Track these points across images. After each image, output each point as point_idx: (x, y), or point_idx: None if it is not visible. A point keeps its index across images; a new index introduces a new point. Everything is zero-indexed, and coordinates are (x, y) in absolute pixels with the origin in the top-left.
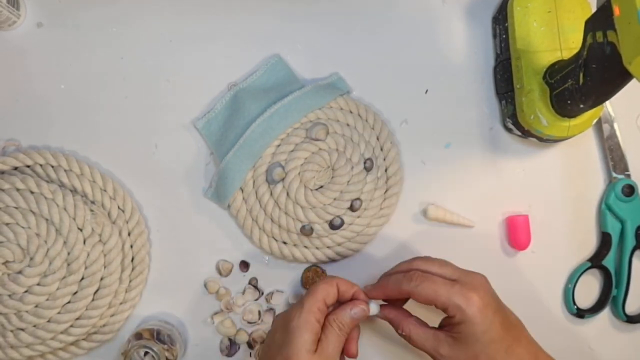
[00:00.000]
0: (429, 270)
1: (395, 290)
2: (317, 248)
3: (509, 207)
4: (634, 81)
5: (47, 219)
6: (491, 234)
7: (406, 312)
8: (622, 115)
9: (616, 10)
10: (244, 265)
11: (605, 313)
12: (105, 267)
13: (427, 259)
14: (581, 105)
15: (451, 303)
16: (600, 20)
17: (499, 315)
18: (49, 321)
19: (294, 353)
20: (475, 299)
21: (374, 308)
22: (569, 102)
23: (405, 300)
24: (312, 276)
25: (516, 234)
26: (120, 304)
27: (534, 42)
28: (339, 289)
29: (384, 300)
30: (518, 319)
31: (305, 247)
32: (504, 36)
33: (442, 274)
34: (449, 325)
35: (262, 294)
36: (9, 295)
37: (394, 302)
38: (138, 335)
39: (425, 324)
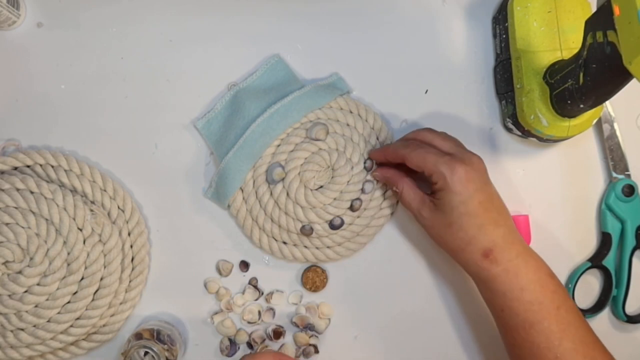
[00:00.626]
0: (431, 141)
1: (393, 154)
2: (317, 248)
3: (509, 207)
4: (634, 81)
5: (47, 219)
6: None
7: (403, 173)
8: (622, 115)
9: (616, 10)
10: (244, 265)
11: (605, 313)
12: (105, 267)
13: (431, 131)
14: (581, 105)
15: (436, 170)
16: (600, 20)
17: (481, 194)
18: (48, 321)
19: None
20: (459, 170)
21: None
22: (569, 102)
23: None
24: (312, 276)
25: None
26: (120, 304)
27: (534, 42)
28: None
29: (383, 164)
30: (505, 208)
31: (305, 247)
32: (504, 36)
33: (440, 146)
34: (434, 192)
35: (262, 294)
36: (9, 295)
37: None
38: (138, 335)
39: (416, 186)
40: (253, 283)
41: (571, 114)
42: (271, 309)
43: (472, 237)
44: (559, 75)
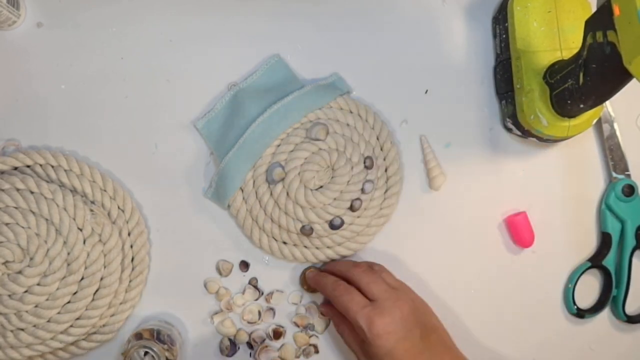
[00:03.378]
0: (359, 282)
1: (322, 289)
2: (317, 248)
3: (509, 207)
4: (634, 81)
5: (47, 219)
6: (491, 234)
7: (343, 316)
8: (622, 115)
9: (616, 10)
10: (244, 265)
11: (605, 313)
12: (105, 267)
13: (365, 269)
14: (581, 105)
15: (356, 323)
16: (600, 20)
17: (405, 342)
18: (48, 321)
19: None
20: (377, 324)
21: None
22: (569, 102)
23: None
24: None
25: (518, 232)
26: (120, 304)
27: (534, 42)
28: None
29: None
30: (442, 342)
31: (305, 247)
32: (504, 36)
33: (367, 291)
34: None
35: (262, 294)
36: (9, 295)
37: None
38: (138, 335)
39: (355, 331)
40: (253, 283)
41: (571, 114)
42: (271, 309)
43: None
44: (559, 75)
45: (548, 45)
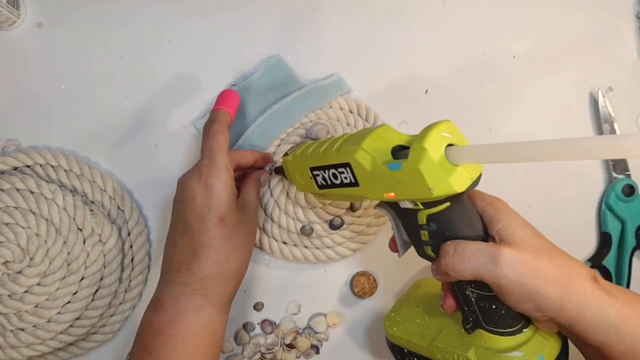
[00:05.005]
0: None
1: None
2: (317, 248)
3: None
4: (633, 81)
5: (47, 219)
6: None
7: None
8: (622, 115)
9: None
10: None
11: None
12: (105, 267)
13: None
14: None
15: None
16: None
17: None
18: (48, 321)
19: (227, 210)
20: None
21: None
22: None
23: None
24: (364, 281)
25: None
26: (120, 304)
27: None
28: (238, 160)
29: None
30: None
31: (305, 247)
32: None
33: None
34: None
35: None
36: (9, 295)
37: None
38: None
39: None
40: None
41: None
42: (267, 320)
43: (574, 262)
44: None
45: None
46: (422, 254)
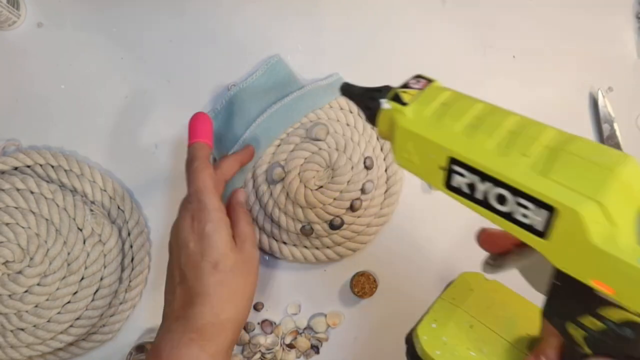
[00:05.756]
0: None
1: None
2: (317, 248)
3: None
4: (633, 81)
5: (47, 219)
6: None
7: None
8: (622, 115)
9: (608, 289)
10: None
11: None
12: (105, 267)
13: None
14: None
15: None
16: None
17: None
18: (49, 321)
19: (221, 255)
20: None
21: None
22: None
23: None
24: (364, 281)
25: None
26: (120, 304)
27: None
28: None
29: None
30: None
31: (305, 247)
32: None
33: None
34: None
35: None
36: (9, 295)
37: None
38: (140, 348)
39: None
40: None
41: None
42: (267, 321)
43: None
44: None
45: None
46: (564, 332)
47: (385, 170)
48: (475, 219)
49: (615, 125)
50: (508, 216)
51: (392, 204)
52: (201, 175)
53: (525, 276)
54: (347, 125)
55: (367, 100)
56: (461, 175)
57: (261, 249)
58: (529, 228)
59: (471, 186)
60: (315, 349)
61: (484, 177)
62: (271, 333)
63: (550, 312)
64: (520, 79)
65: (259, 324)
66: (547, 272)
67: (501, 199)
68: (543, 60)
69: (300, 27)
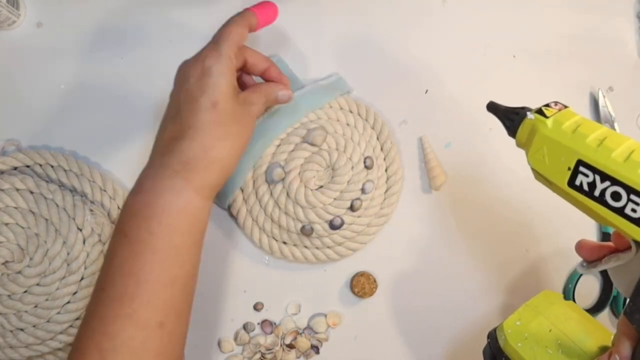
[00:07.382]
0: None
1: None
2: (317, 248)
3: (509, 207)
4: (633, 81)
5: (46, 219)
6: (491, 234)
7: None
8: (622, 115)
9: None
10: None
11: (606, 313)
12: None
13: None
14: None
15: None
16: None
17: None
18: (48, 321)
19: (222, 95)
20: None
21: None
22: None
23: None
24: (364, 281)
25: None
26: None
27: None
28: (247, 57)
29: None
30: None
31: (305, 247)
32: None
33: None
34: None
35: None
36: (9, 295)
37: None
38: None
39: None
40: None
41: None
42: (267, 321)
43: None
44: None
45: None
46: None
47: (385, 170)
48: (475, 219)
49: (616, 125)
50: (619, 210)
51: (392, 204)
52: (230, 27)
53: (613, 277)
54: (347, 125)
55: (511, 114)
56: (585, 175)
57: (261, 249)
58: (636, 222)
59: (591, 185)
60: (315, 349)
61: (605, 177)
62: (271, 333)
63: (632, 310)
64: (520, 79)
65: (259, 324)
66: (632, 274)
67: (616, 196)
68: (543, 60)
69: (300, 26)
